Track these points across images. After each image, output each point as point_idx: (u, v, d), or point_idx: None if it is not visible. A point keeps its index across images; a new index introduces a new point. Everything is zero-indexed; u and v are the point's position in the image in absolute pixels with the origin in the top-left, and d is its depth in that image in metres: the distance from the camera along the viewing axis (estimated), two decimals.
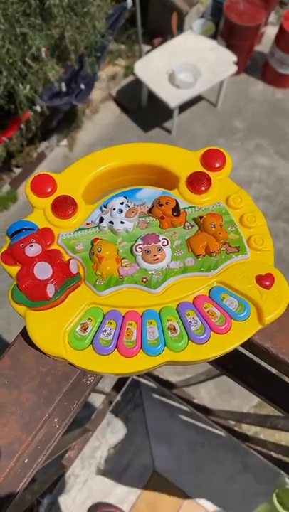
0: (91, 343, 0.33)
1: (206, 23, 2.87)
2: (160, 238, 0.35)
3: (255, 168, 2.71)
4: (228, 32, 2.75)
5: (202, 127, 2.84)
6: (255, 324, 0.34)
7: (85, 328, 0.33)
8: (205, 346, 0.33)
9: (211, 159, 0.39)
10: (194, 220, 0.37)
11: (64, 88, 2.19)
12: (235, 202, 0.38)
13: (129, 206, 0.37)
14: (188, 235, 0.37)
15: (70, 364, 0.33)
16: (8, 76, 1.74)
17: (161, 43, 2.71)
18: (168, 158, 0.40)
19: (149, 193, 0.38)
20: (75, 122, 2.75)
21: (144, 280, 0.35)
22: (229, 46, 2.69)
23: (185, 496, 1.48)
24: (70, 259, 0.35)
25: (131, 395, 1.63)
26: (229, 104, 2.90)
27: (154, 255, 0.35)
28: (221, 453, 1.51)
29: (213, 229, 0.35)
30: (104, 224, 0.36)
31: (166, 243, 0.35)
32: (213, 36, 2.86)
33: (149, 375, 1.49)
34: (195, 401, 1.52)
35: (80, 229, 0.37)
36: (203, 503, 1.47)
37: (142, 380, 1.61)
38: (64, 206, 0.37)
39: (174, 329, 0.33)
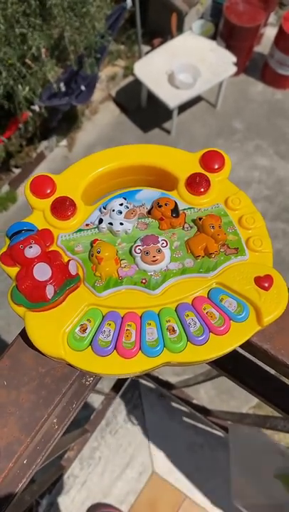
0: (90, 344, 0.33)
1: (206, 24, 2.87)
2: (159, 239, 0.35)
3: (254, 168, 2.71)
4: (227, 33, 2.75)
5: (201, 128, 2.84)
6: (254, 325, 0.34)
7: (84, 329, 0.33)
8: (204, 347, 0.33)
9: (210, 161, 0.40)
10: (193, 221, 0.37)
11: (63, 88, 2.19)
12: (234, 203, 0.38)
13: (128, 207, 0.37)
14: (188, 236, 0.37)
15: (69, 365, 0.33)
16: (8, 77, 1.75)
17: (161, 43, 2.71)
18: (167, 160, 0.40)
19: (148, 194, 0.39)
20: (75, 123, 2.75)
21: (144, 281, 0.35)
22: (229, 47, 2.70)
23: (184, 496, 1.48)
24: (69, 260, 0.35)
25: (130, 395, 1.63)
26: (229, 104, 2.90)
27: (154, 256, 0.35)
28: (220, 453, 1.51)
29: (212, 230, 0.35)
30: (103, 225, 0.37)
31: (165, 244, 0.35)
32: (213, 37, 2.86)
33: (148, 375, 1.49)
34: (194, 402, 1.52)
35: (80, 230, 0.37)
36: (203, 503, 1.47)
37: (141, 380, 1.61)
38: (63, 207, 0.37)
39: (173, 330, 0.33)
